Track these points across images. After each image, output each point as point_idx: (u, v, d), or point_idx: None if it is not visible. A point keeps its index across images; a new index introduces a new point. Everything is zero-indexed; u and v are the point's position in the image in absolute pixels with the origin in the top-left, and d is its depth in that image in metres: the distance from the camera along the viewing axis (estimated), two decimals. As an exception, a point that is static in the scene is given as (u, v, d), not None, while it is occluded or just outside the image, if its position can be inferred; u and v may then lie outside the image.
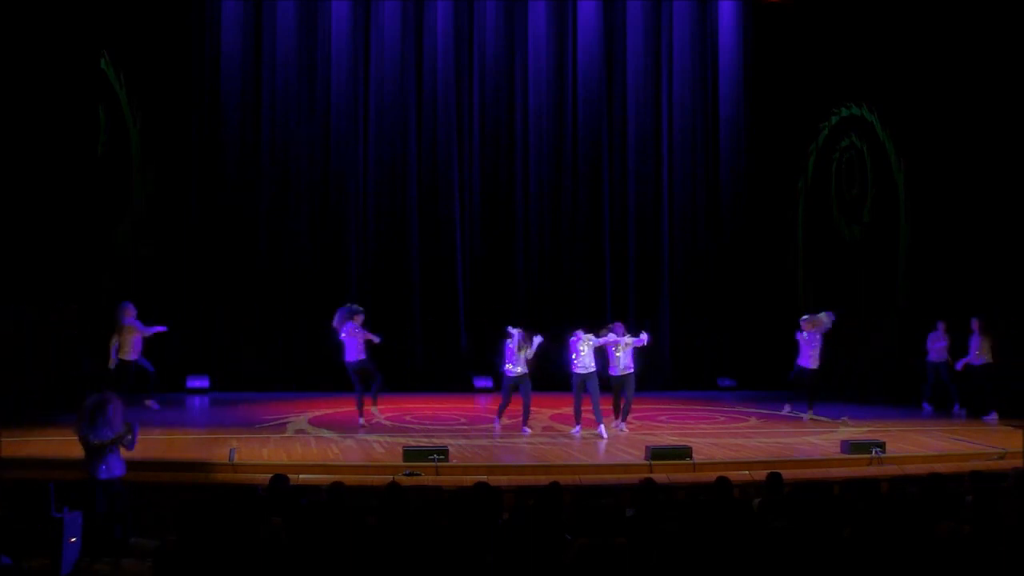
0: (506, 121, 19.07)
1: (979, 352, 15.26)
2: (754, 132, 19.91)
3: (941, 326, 15.95)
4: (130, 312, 14.26)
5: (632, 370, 13.31)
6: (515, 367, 13.17)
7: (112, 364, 14.06)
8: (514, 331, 13.29)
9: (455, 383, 17.84)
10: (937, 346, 15.90)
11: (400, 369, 17.79)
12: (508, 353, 13.24)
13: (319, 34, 18.36)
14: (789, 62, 19.53)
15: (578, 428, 13.17)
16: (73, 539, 8.30)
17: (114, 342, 14.14)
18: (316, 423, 13.86)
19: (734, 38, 19.90)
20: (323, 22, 18.37)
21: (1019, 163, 15.69)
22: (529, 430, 13.16)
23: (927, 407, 15.94)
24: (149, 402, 14.41)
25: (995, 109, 15.93)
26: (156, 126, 17.42)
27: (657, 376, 17.96)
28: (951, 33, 16.51)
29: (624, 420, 13.45)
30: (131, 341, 14.19)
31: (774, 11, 19.39)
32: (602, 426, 12.91)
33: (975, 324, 15.43)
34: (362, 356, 13.52)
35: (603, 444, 12.47)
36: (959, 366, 15.45)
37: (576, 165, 19.31)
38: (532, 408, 13.35)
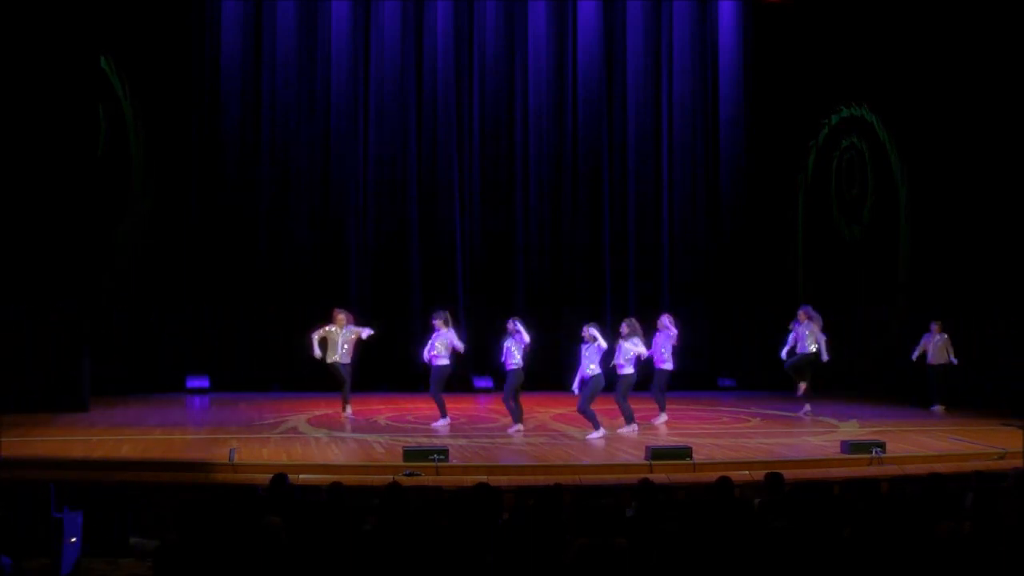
0: (506, 121, 19.08)
1: (807, 341, 15.05)
2: (754, 132, 19.91)
3: (934, 327, 15.97)
4: (352, 318, 14.53)
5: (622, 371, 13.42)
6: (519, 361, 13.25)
7: (319, 356, 14.37)
8: (513, 325, 13.35)
9: (455, 383, 17.80)
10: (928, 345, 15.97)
11: (400, 369, 17.79)
12: (509, 350, 13.30)
13: (319, 34, 18.37)
14: (789, 62, 19.53)
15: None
16: (73, 539, 8.31)
17: (331, 338, 14.37)
18: (316, 423, 13.86)
19: (734, 38, 19.90)
20: (323, 22, 18.37)
21: (1019, 163, 15.70)
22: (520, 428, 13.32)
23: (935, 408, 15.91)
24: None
25: (996, 110, 15.93)
26: (156, 126, 17.43)
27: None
28: (951, 33, 16.52)
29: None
30: (352, 344, 14.43)
31: (774, 11, 19.40)
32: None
33: (802, 313, 15.29)
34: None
35: (603, 444, 12.48)
36: (783, 354, 15.30)
37: (576, 165, 19.31)
38: (537, 408, 13.33)
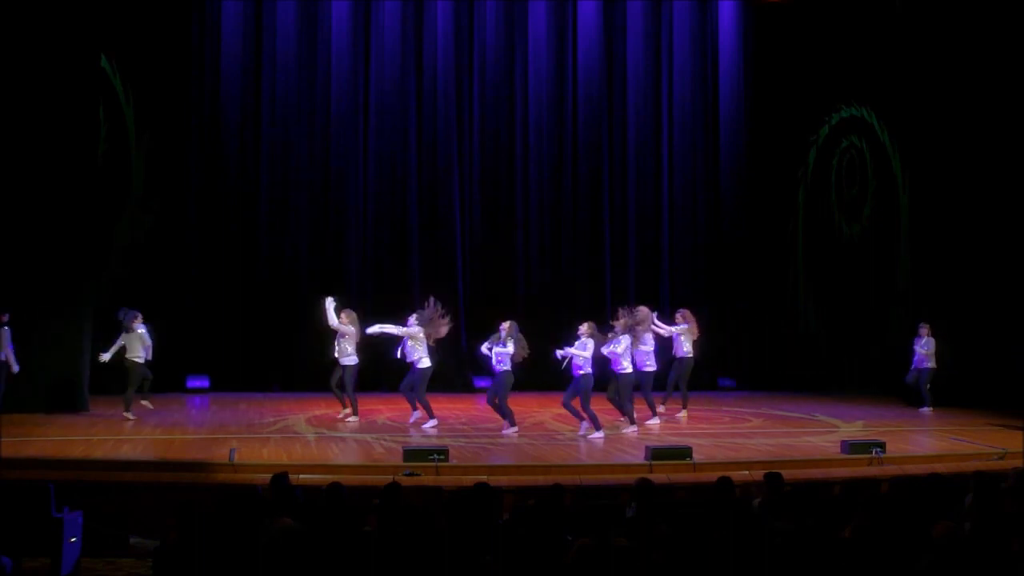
0: (506, 121, 19.09)
1: (684, 345, 15.03)
2: (754, 132, 19.91)
3: (922, 329, 15.91)
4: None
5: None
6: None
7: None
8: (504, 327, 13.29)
9: (455, 383, 17.84)
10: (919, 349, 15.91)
11: (400, 369, 17.78)
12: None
13: (319, 34, 18.39)
14: (789, 62, 19.54)
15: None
16: (73, 539, 8.30)
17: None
18: (315, 423, 13.85)
19: (734, 38, 19.92)
20: (323, 22, 18.39)
21: (1018, 162, 15.70)
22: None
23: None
24: None
25: (996, 110, 15.93)
26: (157, 126, 17.44)
27: (657, 376, 17.95)
28: (950, 33, 16.51)
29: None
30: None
31: (774, 11, 19.41)
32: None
33: (679, 316, 15.21)
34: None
35: (603, 444, 12.49)
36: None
37: (576, 165, 19.32)
38: (537, 408, 13.29)
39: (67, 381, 14.49)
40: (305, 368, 17.68)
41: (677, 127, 19.75)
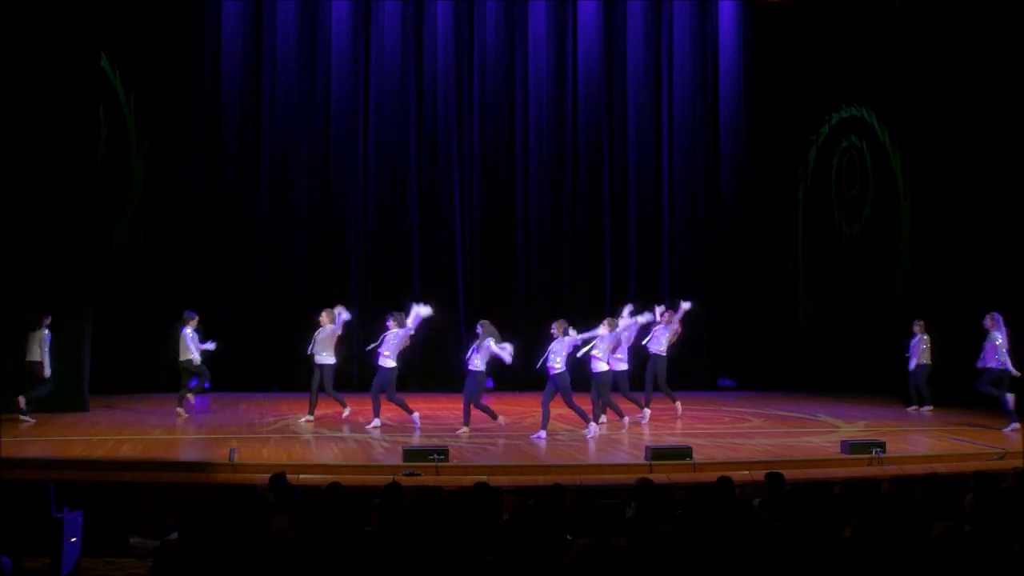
0: (506, 121, 19.09)
1: (662, 342, 14.88)
2: (754, 132, 19.92)
3: (916, 327, 15.89)
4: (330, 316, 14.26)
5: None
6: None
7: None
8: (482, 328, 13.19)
9: (455, 383, 17.81)
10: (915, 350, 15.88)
11: (400, 369, 17.78)
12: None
13: (319, 34, 18.39)
14: (789, 62, 19.54)
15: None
16: (73, 539, 8.31)
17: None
18: (316, 423, 13.85)
19: (734, 38, 19.92)
20: (323, 22, 18.40)
21: (1019, 162, 15.69)
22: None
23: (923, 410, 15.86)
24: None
25: (996, 110, 15.92)
26: (157, 127, 17.42)
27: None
28: (950, 34, 16.51)
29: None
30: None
31: (774, 11, 19.41)
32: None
33: (668, 314, 15.07)
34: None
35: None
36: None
37: (576, 165, 19.33)
38: (537, 408, 13.26)
39: (67, 381, 14.47)
40: (305, 368, 17.65)
41: (677, 127, 19.75)
